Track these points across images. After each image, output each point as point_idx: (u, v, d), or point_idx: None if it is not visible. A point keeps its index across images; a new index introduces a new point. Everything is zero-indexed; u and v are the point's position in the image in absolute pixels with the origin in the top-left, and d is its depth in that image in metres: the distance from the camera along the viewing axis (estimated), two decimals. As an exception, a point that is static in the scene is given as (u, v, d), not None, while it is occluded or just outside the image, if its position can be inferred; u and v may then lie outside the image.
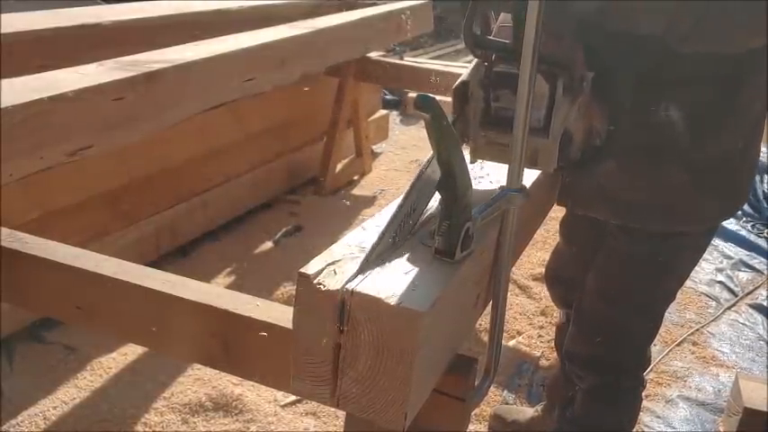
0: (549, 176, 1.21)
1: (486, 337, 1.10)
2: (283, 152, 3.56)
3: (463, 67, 3.32)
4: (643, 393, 1.65)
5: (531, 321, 2.68)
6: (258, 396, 2.14)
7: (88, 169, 2.35)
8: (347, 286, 0.76)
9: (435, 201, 0.94)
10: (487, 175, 1.12)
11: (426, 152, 0.87)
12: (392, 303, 0.74)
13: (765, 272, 3.22)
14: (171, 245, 2.90)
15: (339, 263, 0.81)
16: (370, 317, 0.75)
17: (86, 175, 2.41)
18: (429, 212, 0.96)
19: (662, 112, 1.20)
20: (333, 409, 1.96)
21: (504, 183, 0.95)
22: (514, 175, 0.93)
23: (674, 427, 2.21)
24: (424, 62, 5.76)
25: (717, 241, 3.35)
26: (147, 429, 2.00)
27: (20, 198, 2.13)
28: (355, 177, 4.01)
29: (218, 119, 2.96)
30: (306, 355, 0.80)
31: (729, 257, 3.33)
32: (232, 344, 1.12)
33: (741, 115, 1.26)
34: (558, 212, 1.68)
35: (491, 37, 1.04)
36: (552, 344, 2.31)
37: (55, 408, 2.06)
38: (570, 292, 1.69)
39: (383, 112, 4.46)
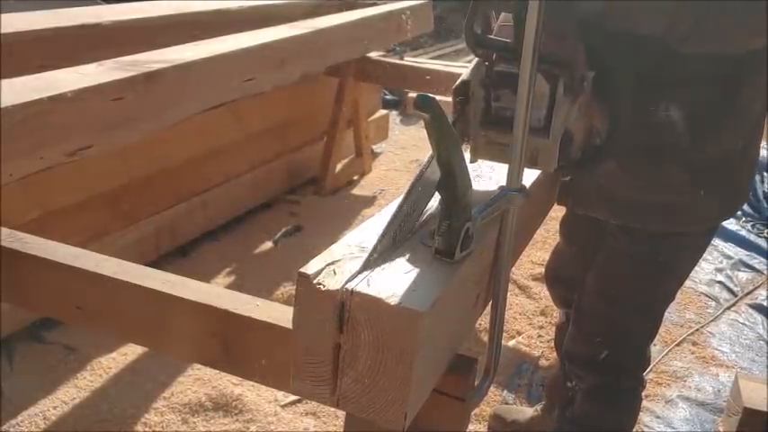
0: (549, 176, 1.21)
1: (485, 337, 1.10)
2: (283, 152, 3.56)
3: (463, 67, 3.32)
4: (643, 393, 1.65)
5: (530, 321, 2.68)
6: (258, 396, 2.14)
7: (88, 169, 2.35)
8: (347, 286, 0.76)
9: (435, 201, 0.94)
10: (488, 175, 1.12)
11: (426, 152, 0.87)
12: (392, 303, 0.74)
13: (765, 272, 3.22)
14: (171, 245, 2.90)
15: (339, 263, 0.81)
16: (370, 317, 0.75)
17: (86, 175, 2.41)
18: (429, 212, 0.96)
19: (662, 112, 1.20)
20: (333, 409, 1.96)
21: (503, 182, 0.95)
22: (514, 175, 0.93)
23: (673, 427, 2.21)
24: (425, 62, 5.76)
25: (717, 241, 3.35)
26: (146, 429, 2.00)
27: (20, 198, 2.13)
28: (355, 177, 4.01)
29: (218, 119, 2.96)
30: (306, 355, 0.80)
31: (729, 257, 3.33)
32: (232, 344, 1.12)
33: (741, 115, 1.26)
34: (557, 212, 1.68)
35: (492, 36, 1.04)
36: (552, 344, 2.31)
37: (55, 408, 2.06)
38: (570, 292, 1.69)
39: (383, 112, 4.46)
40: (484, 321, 1.38)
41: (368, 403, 0.78)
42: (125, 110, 1.80)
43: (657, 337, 1.66)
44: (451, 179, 0.81)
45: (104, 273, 1.20)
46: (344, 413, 0.98)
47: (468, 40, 1.00)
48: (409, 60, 5.38)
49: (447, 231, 0.83)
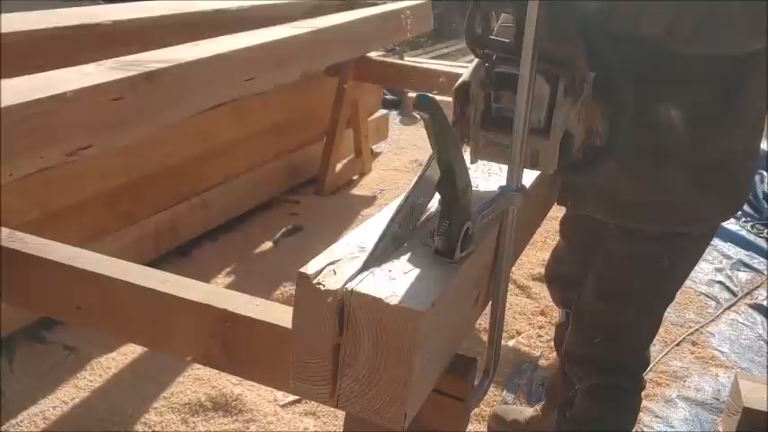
0: (549, 176, 1.21)
1: (485, 337, 1.10)
2: (283, 152, 3.56)
3: (463, 67, 3.32)
4: (642, 393, 1.65)
5: (530, 321, 2.69)
6: (258, 396, 2.14)
7: (88, 169, 2.35)
8: (347, 286, 0.76)
9: (435, 201, 0.94)
10: (488, 176, 1.12)
11: (426, 152, 0.87)
12: (392, 303, 0.74)
13: (765, 272, 3.22)
14: (171, 245, 2.90)
15: (339, 263, 0.81)
16: (369, 317, 0.75)
17: (86, 174, 2.41)
18: (429, 212, 0.96)
19: (663, 112, 1.20)
20: (332, 409, 1.96)
21: (503, 182, 0.95)
22: (514, 175, 0.93)
23: (673, 427, 2.21)
24: (424, 62, 5.77)
25: (716, 241, 3.35)
26: (146, 429, 2.00)
27: (20, 198, 2.13)
28: (355, 177, 4.01)
29: (218, 119, 2.96)
30: (305, 355, 0.80)
31: (729, 257, 3.33)
32: (232, 344, 1.12)
33: (741, 116, 1.26)
34: (557, 212, 1.68)
35: (492, 36, 1.04)
36: (551, 344, 2.31)
37: (55, 408, 2.05)
38: (570, 292, 1.69)
39: (383, 111, 4.46)
40: (484, 321, 1.38)
41: (367, 403, 0.78)
42: (125, 110, 1.80)
43: (657, 336, 1.66)
44: (451, 179, 0.81)
45: (104, 273, 1.20)
46: (344, 413, 0.98)
47: (469, 39, 1.00)
48: (409, 60, 5.39)
49: (447, 231, 0.83)
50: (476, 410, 2.10)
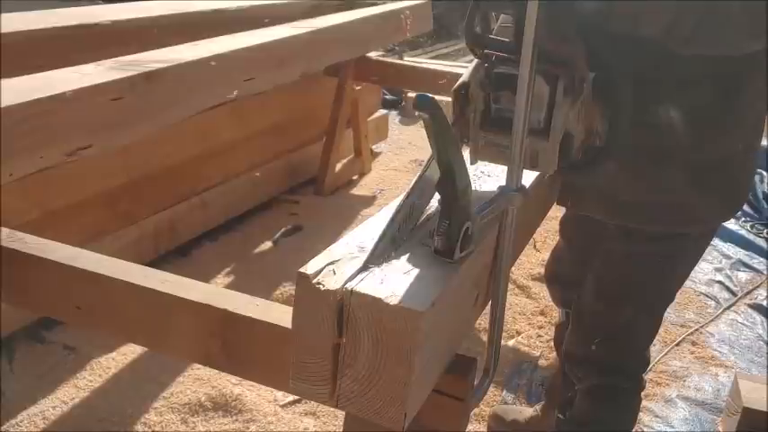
0: (549, 176, 1.21)
1: (485, 337, 1.10)
2: (283, 152, 3.56)
3: (463, 67, 3.32)
4: (642, 393, 1.65)
5: (530, 321, 2.69)
6: (258, 396, 2.14)
7: (87, 169, 2.35)
8: (347, 286, 0.76)
9: (435, 201, 0.94)
10: (488, 176, 1.12)
11: (426, 152, 0.87)
12: (392, 303, 0.74)
13: (764, 272, 3.22)
14: (170, 245, 2.90)
15: (338, 263, 0.81)
16: (369, 317, 0.75)
17: (86, 175, 2.41)
18: (429, 212, 0.96)
19: (662, 113, 1.20)
20: (332, 409, 1.96)
21: (503, 182, 0.95)
22: (514, 175, 0.93)
23: (673, 427, 2.21)
24: (424, 62, 5.77)
25: (716, 241, 3.35)
26: (146, 429, 2.00)
27: (20, 198, 2.13)
28: (355, 177, 4.01)
29: (218, 119, 2.96)
30: (305, 355, 0.80)
31: (728, 257, 3.33)
32: (232, 344, 1.12)
33: (741, 116, 1.26)
34: (558, 212, 1.68)
35: (492, 36, 1.04)
36: (551, 344, 2.31)
37: (55, 408, 2.05)
38: (570, 292, 1.69)
39: (383, 111, 4.46)
40: (483, 321, 1.38)
41: (367, 403, 0.78)
42: (124, 110, 1.80)
43: (657, 336, 1.66)
44: (451, 179, 0.81)
45: (104, 273, 1.20)
46: (344, 413, 0.98)
47: (468, 39, 1.00)
48: (409, 60, 5.39)
49: (446, 231, 0.83)
50: (475, 410, 2.10)
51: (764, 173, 3.95)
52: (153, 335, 1.24)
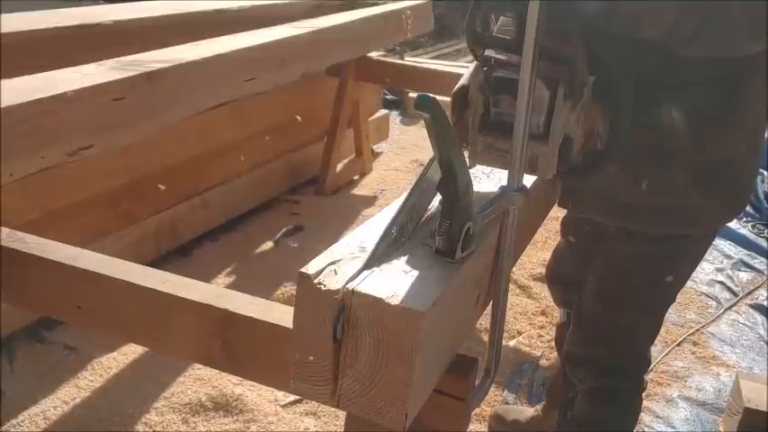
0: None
1: (486, 337, 1.10)
2: (284, 152, 3.56)
3: (464, 67, 3.32)
4: (643, 393, 1.65)
5: (531, 321, 2.68)
6: (258, 396, 2.14)
7: (88, 169, 2.35)
8: (348, 286, 0.76)
9: (437, 201, 0.93)
10: (489, 176, 1.12)
11: (426, 152, 0.87)
12: (393, 303, 0.74)
13: (765, 272, 3.22)
14: (171, 245, 2.90)
15: (339, 263, 0.81)
16: (370, 317, 0.75)
17: (86, 174, 2.41)
18: (430, 212, 0.96)
19: (664, 115, 1.20)
20: (333, 409, 1.96)
21: (504, 183, 0.95)
22: (515, 175, 0.93)
23: (674, 427, 2.21)
24: (425, 62, 5.77)
25: (717, 241, 3.34)
26: (147, 429, 2.00)
27: (20, 198, 2.13)
28: (355, 177, 4.01)
29: (219, 119, 2.96)
30: (306, 355, 0.80)
31: (729, 257, 3.33)
32: (232, 344, 1.12)
33: (742, 118, 1.26)
34: (558, 212, 1.68)
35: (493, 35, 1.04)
36: (552, 344, 2.31)
37: (55, 408, 2.06)
38: (571, 292, 1.69)
39: (383, 111, 4.46)
40: (484, 321, 1.38)
41: (368, 403, 0.78)
42: (125, 110, 1.80)
43: (658, 337, 1.66)
44: (452, 179, 0.81)
45: (104, 273, 1.20)
46: (345, 413, 0.98)
47: (469, 39, 1.00)
48: (409, 60, 5.39)
49: (447, 231, 0.83)
50: (477, 410, 2.10)
51: (765, 173, 3.95)
52: (154, 335, 1.24)
